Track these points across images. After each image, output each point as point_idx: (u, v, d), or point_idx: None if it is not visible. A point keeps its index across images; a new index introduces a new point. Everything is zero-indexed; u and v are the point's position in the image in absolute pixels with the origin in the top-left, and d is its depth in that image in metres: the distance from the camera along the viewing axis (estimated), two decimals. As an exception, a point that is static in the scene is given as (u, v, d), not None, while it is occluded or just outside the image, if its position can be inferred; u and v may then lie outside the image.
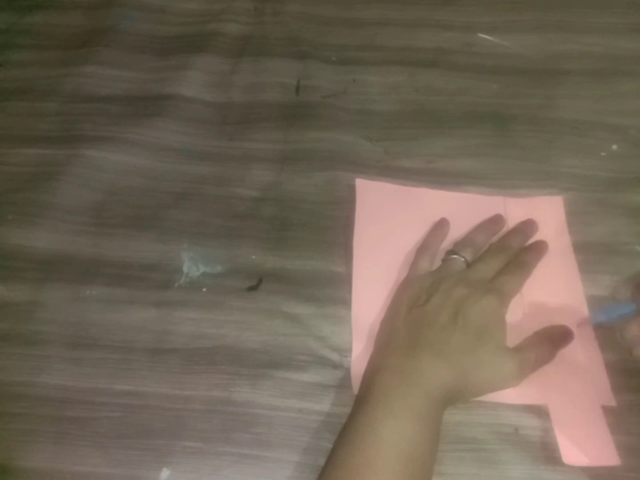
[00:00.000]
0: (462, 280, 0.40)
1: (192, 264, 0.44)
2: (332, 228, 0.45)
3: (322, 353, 0.40)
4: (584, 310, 0.41)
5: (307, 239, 0.45)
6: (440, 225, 0.45)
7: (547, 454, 0.36)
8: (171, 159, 0.49)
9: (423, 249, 0.43)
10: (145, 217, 0.46)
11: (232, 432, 0.38)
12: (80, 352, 0.40)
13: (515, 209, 0.45)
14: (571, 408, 0.38)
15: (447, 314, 0.38)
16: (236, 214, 0.46)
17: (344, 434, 0.35)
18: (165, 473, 0.36)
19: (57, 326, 0.41)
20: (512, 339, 0.38)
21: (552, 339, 0.39)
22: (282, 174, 0.48)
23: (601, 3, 0.55)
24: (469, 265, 0.41)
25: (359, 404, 0.36)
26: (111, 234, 0.45)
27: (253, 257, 0.44)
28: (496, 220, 0.45)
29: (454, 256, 0.41)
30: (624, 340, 0.35)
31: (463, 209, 0.45)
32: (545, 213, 0.45)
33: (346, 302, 0.42)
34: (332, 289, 0.43)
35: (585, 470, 0.36)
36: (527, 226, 0.44)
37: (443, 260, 0.42)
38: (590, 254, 0.43)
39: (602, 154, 0.48)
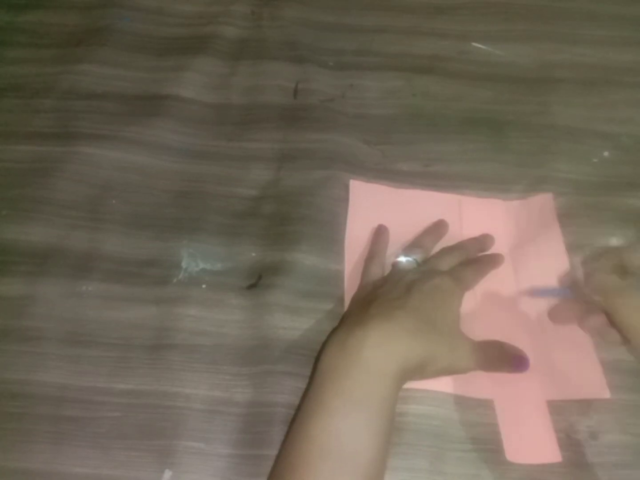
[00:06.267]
0: (413, 270, 0.40)
1: (191, 260, 0.43)
2: (331, 223, 0.45)
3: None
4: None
5: (306, 233, 0.45)
6: (380, 232, 0.45)
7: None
8: (169, 157, 0.48)
9: (370, 256, 0.43)
10: (143, 213, 0.46)
11: (233, 432, 0.37)
12: (77, 350, 0.39)
13: (470, 207, 0.46)
14: (516, 404, 0.38)
15: (400, 291, 0.37)
16: (236, 212, 0.46)
17: (285, 435, 0.35)
18: (167, 474, 0.36)
19: (53, 322, 0.40)
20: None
21: (506, 356, 0.38)
22: (281, 172, 0.48)
23: (591, 16, 0.57)
24: (419, 265, 0.42)
25: (301, 398, 0.36)
26: (108, 229, 0.45)
27: (253, 254, 0.44)
28: (440, 225, 0.45)
29: (403, 258, 0.42)
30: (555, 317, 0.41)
31: (425, 207, 0.46)
32: (536, 212, 0.46)
33: (344, 298, 0.42)
34: (331, 286, 0.43)
35: (581, 469, 0.36)
36: (484, 237, 0.45)
37: (393, 265, 0.42)
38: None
39: (594, 160, 0.49)
